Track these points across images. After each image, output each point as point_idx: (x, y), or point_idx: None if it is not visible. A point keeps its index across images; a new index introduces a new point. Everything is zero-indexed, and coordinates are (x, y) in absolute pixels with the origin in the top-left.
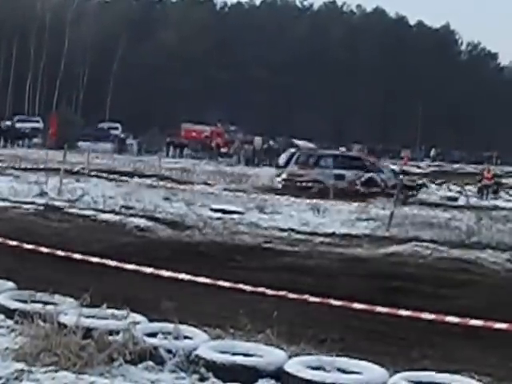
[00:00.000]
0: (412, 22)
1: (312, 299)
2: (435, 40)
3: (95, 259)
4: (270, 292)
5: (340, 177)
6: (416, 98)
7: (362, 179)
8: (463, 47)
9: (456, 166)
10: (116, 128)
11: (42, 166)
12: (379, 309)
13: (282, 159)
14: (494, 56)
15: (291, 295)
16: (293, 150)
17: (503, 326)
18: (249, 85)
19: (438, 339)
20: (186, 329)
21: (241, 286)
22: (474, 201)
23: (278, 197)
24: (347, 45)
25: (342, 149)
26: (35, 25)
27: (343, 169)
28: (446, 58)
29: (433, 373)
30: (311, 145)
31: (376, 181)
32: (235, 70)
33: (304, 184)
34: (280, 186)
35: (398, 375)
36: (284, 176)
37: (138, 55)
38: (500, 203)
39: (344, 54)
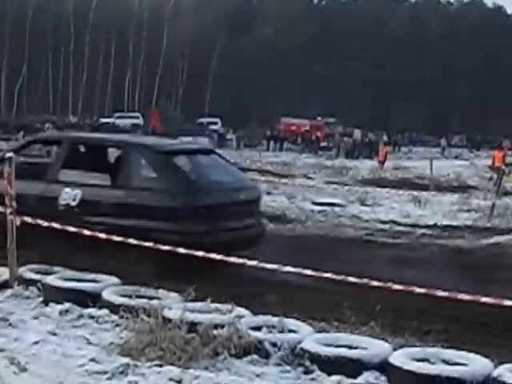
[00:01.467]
0: (509, 11)
1: (418, 290)
2: None
3: (200, 253)
4: (374, 283)
5: None
6: None
7: None
8: None
9: None
10: (215, 123)
11: None
12: (484, 299)
13: None
14: None
15: (396, 286)
16: None
17: None
18: (347, 77)
19: None
20: (290, 322)
21: (345, 277)
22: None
23: (379, 189)
24: (445, 36)
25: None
26: (133, 23)
27: None
28: None
29: None
30: None
31: None
32: (333, 63)
33: None
34: None
35: (504, 366)
36: None
37: (236, 50)
38: None
39: (442, 44)
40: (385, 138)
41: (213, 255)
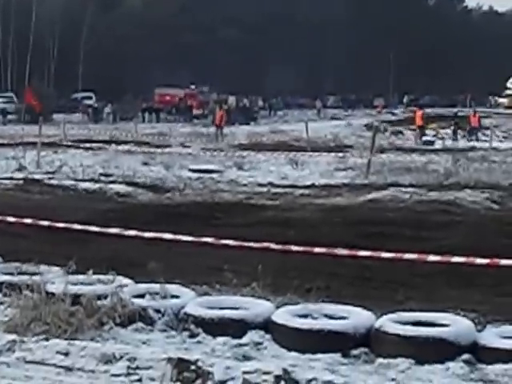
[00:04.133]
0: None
1: (296, 248)
2: None
3: (78, 226)
4: (253, 245)
5: None
6: (386, 46)
7: None
8: None
9: (429, 110)
10: (90, 98)
11: (18, 141)
12: (362, 253)
13: None
14: None
15: (275, 246)
16: None
17: (484, 261)
18: (219, 45)
19: (421, 280)
20: (172, 288)
21: (225, 241)
22: (450, 143)
23: (254, 153)
24: None
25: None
26: (1, 1)
27: None
28: (414, 3)
29: (418, 313)
30: None
31: None
32: (205, 32)
33: None
34: None
35: (385, 317)
36: None
37: (106, 24)
38: (477, 144)
39: (312, 6)
40: (260, 102)
41: (91, 228)
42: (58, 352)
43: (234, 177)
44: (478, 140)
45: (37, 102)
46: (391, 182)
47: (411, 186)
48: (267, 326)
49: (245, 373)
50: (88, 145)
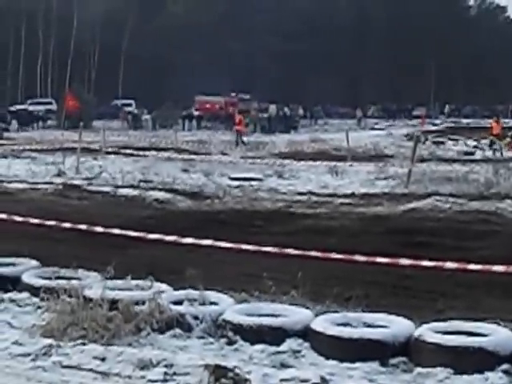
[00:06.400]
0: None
1: (336, 256)
2: None
3: (117, 231)
4: (293, 252)
5: None
6: (428, 56)
7: None
8: (471, 2)
9: (470, 120)
10: (130, 105)
11: (58, 147)
12: (403, 261)
13: None
14: (503, 9)
15: (314, 253)
16: None
17: None
18: (260, 53)
19: (462, 290)
20: (211, 294)
21: (264, 248)
22: (490, 154)
23: (294, 161)
24: (356, 6)
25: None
26: (42, 6)
27: None
28: (456, 14)
29: (458, 322)
30: None
31: None
32: (246, 39)
33: None
34: None
35: (425, 326)
36: None
37: (147, 30)
38: None
39: (353, 16)
40: (300, 111)
41: (130, 233)
42: (94, 357)
43: (273, 185)
44: None
45: (77, 105)
46: (431, 191)
47: (452, 195)
48: (306, 333)
49: (282, 380)
50: (128, 151)
